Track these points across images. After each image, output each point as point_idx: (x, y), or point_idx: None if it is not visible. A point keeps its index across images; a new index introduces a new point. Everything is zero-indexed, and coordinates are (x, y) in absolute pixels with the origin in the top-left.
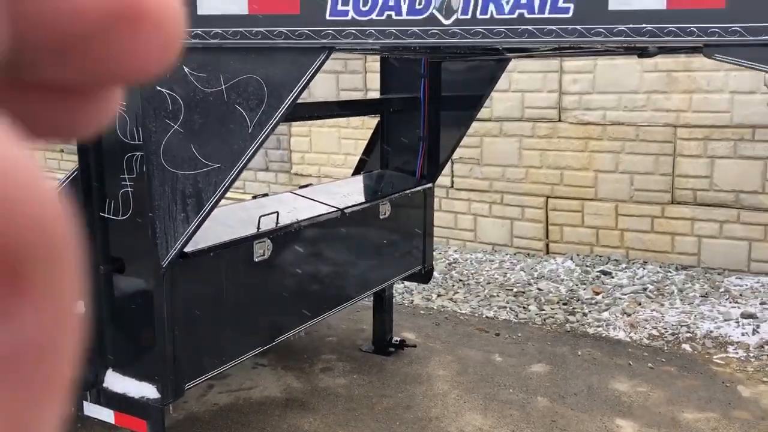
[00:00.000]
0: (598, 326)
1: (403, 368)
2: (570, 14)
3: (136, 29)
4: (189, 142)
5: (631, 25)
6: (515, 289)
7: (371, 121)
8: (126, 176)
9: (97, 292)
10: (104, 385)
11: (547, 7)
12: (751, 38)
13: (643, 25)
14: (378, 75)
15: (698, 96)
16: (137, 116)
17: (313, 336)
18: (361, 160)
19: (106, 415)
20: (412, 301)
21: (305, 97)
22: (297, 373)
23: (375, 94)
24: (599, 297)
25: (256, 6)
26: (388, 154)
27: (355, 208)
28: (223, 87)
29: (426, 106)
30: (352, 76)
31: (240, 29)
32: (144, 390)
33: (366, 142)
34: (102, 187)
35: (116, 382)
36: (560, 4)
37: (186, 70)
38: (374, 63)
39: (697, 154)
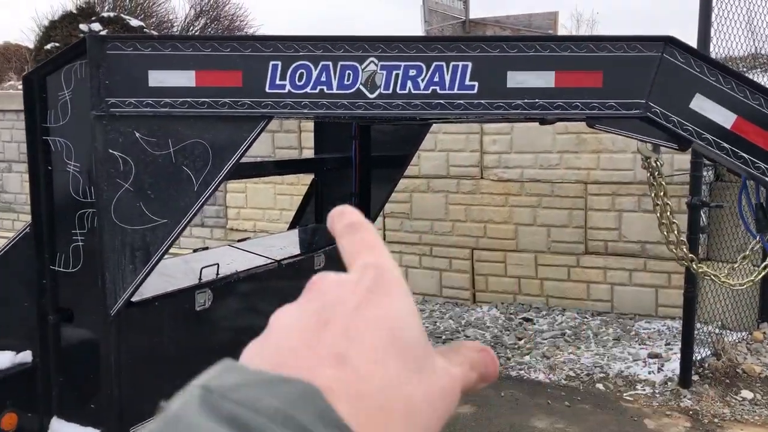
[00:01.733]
0: (521, 369)
1: None
2: (475, 91)
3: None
4: (138, 199)
5: (526, 100)
6: (444, 337)
7: (306, 178)
8: (77, 231)
9: (44, 342)
10: None
11: (456, 84)
12: (624, 111)
13: (536, 100)
14: (312, 134)
15: (605, 155)
16: (90, 176)
17: None
18: (296, 215)
19: None
20: None
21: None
22: None
23: (309, 152)
24: (521, 342)
25: (203, 80)
26: (322, 209)
27: (291, 260)
28: (172, 150)
29: (357, 165)
30: (287, 135)
31: (188, 99)
32: None
33: (301, 198)
34: (53, 241)
35: (62, 429)
36: (467, 82)
37: (137, 135)
38: (308, 123)
39: (606, 208)
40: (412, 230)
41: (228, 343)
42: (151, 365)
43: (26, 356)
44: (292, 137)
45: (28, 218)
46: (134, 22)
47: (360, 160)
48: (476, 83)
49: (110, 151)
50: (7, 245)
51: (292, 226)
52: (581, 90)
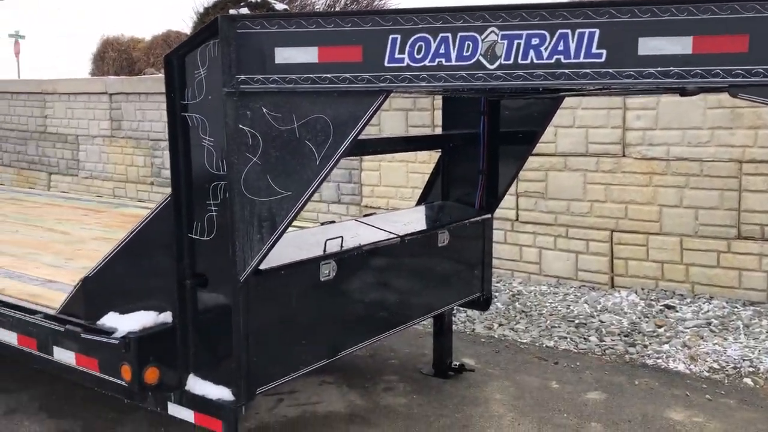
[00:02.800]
0: (658, 358)
1: (461, 391)
2: (602, 59)
3: None
4: (265, 173)
5: (659, 69)
6: (577, 321)
7: (438, 156)
8: (211, 202)
9: (182, 304)
10: (186, 387)
11: (582, 53)
12: None
13: (671, 69)
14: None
15: (764, 132)
16: (222, 150)
17: (376, 358)
18: (423, 192)
19: (187, 415)
20: (474, 329)
21: (375, 133)
22: (360, 391)
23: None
24: (661, 330)
25: (325, 56)
26: (448, 187)
27: (414, 236)
28: (296, 125)
29: (485, 141)
30: (421, 113)
31: (311, 75)
32: (221, 393)
33: None
34: (191, 211)
35: (197, 385)
36: (594, 50)
37: (264, 110)
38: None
39: (763, 189)
40: (547, 210)
41: (349, 315)
42: (277, 331)
43: (167, 317)
44: (425, 115)
45: (163, 192)
46: (279, 6)
47: (488, 137)
48: (604, 51)
49: (240, 126)
50: (151, 214)
51: (419, 203)
52: (723, 56)
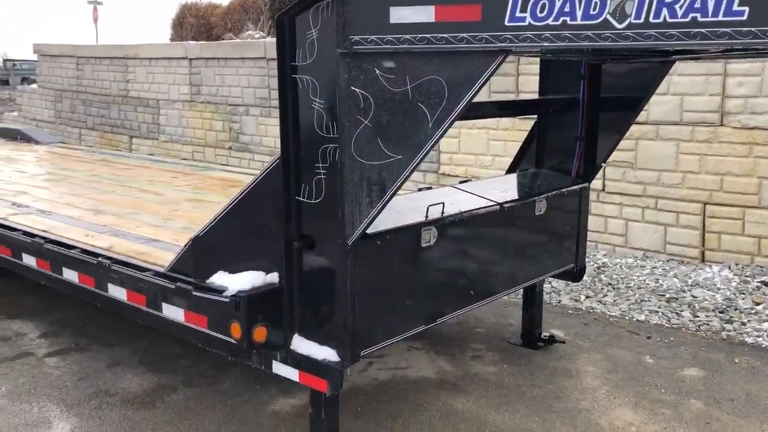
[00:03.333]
0: (758, 336)
1: (552, 362)
2: (745, 17)
3: None
4: (376, 136)
5: None
6: (668, 295)
7: (521, 123)
8: (320, 165)
9: (289, 265)
10: (291, 347)
11: (721, 10)
12: None
13: None
14: (530, 78)
15: None
16: (333, 112)
17: (462, 326)
18: (515, 159)
19: (292, 373)
20: (560, 301)
21: None
22: (448, 358)
23: (526, 97)
24: (760, 307)
25: (442, 15)
26: (543, 154)
27: (513, 204)
28: (409, 87)
29: (584, 107)
30: (504, 78)
31: (427, 35)
32: (326, 353)
33: (515, 144)
34: (299, 174)
35: (301, 345)
36: (735, 7)
37: (377, 72)
38: (527, 66)
39: None
40: (636, 181)
41: (446, 282)
42: (380, 296)
43: (274, 277)
44: (509, 81)
45: (263, 158)
46: None
47: (588, 102)
48: (746, 8)
49: (352, 88)
50: (260, 176)
51: (511, 170)
52: None
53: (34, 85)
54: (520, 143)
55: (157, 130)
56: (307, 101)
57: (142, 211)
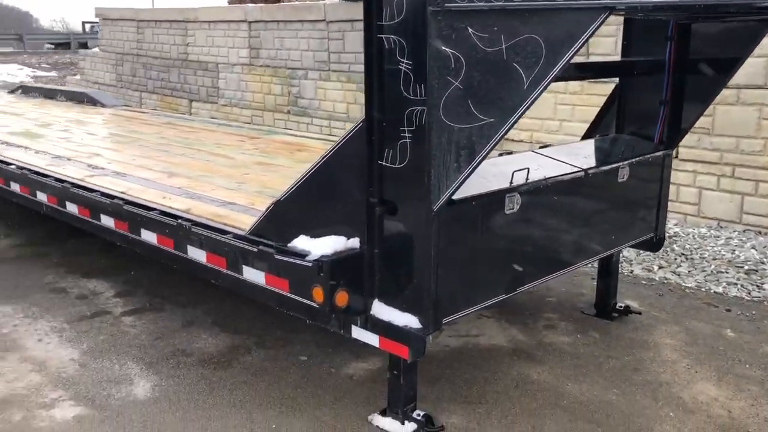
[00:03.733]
0: None
1: (628, 333)
2: None
3: None
4: (467, 97)
5: None
6: (746, 267)
7: (591, 87)
8: (405, 128)
9: (370, 230)
10: (371, 312)
11: None
12: None
13: None
14: (602, 39)
15: None
16: (421, 74)
17: (532, 295)
18: (593, 123)
19: (371, 339)
20: (632, 271)
21: None
22: (521, 326)
23: (596, 59)
24: None
25: None
26: (624, 119)
27: (597, 170)
28: (503, 46)
29: (671, 70)
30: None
31: None
32: (407, 320)
33: (584, 109)
34: (382, 137)
35: (382, 310)
36: None
37: (470, 30)
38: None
39: None
40: (712, 147)
41: (528, 250)
42: (463, 263)
43: (355, 242)
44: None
45: (321, 122)
46: None
47: (675, 65)
48: None
49: (442, 47)
50: (343, 139)
51: (588, 135)
52: None
53: (96, 49)
54: (590, 108)
55: (216, 93)
56: (393, 62)
57: (214, 174)
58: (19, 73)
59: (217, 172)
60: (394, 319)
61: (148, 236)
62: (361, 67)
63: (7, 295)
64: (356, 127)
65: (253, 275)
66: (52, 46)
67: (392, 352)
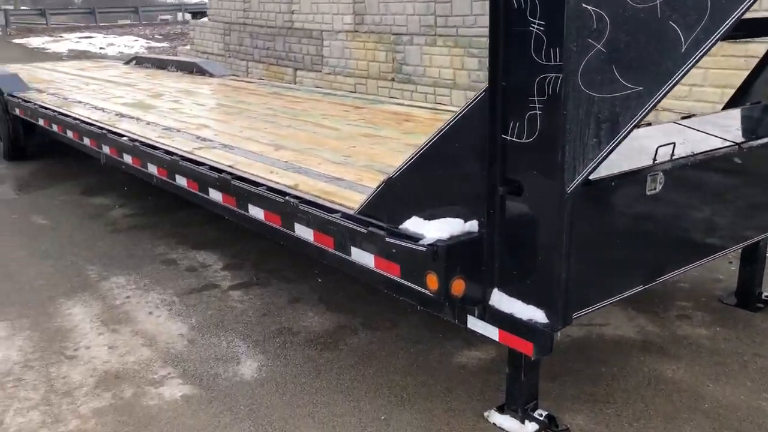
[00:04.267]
0: None
1: None
2: None
3: None
4: (610, 62)
5: None
6: None
7: (730, 48)
8: (535, 98)
9: (491, 213)
10: (490, 302)
11: None
12: None
13: None
14: None
15: None
16: (556, 36)
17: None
18: (739, 90)
19: (490, 331)
20: None
21: None
22: (650, 316)
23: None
24: None
25: None
26: None
27: (752, 144)
28: (657, 2)
29: None
30: None
31: None
32: (532, 313)
33: (718, 72)
34: (508, 109)
35: (502, 301)
36: None
37: None
38: None
39: None
40: None
41: (670, 235)
42: (598, 251)
43: (473, 225)
44: None
45: (426, 90)
46: None
47: None
48: None
49: (583, 5)
50: (462, 111)
51: (731, 104)
52: None
53: (205, 19)
54: (726, 71)
55: (320, 62)
56: (523, 23)
57: (321, 147)
58: (134, 44)
59: (324, 145)
60: (517, 311)
61: (256, 212)
62: (469, 31)
63: (121, 265)
64: (477, 97)
65: (362, 257)
66: (167, 18)
67: (514, 347)
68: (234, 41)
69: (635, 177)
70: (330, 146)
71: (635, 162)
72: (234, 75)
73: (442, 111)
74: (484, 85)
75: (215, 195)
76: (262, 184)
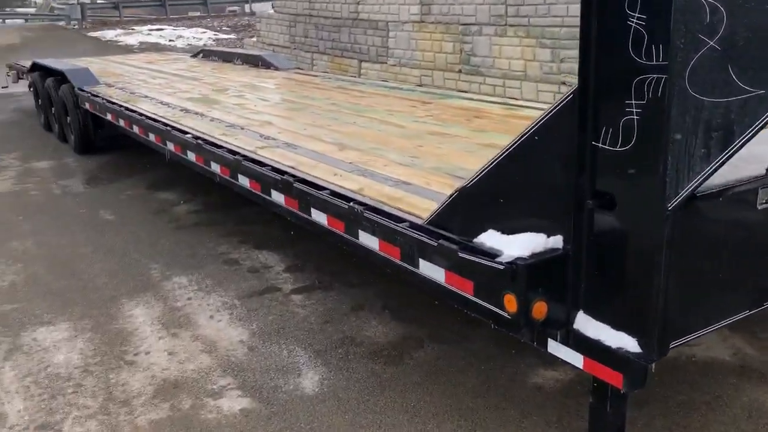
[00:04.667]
0: None
1: None
2: None
3: None
4: (725, 62)
5: None
6: None
7: None
8: (633, 102)
9: (578, 228)
10: (574, 326)
11: None
12: None
13: None
14: None
15: None
16: (662, 31)
17: None
18: None
19: (574, 358)
20: None
21: None
22: (747, 336)
23: None
24: None
25: None
26: None
27: None
28: None
29: None
30: None
31: None
32: (623, 341)
33: None
34: (600, 112)
35: (588, 325)
36: None
37: None
38: None
39: None
40: None
41: None
42: (701, 273)
43: (557, 242)
44: None
45: (495, 81)
46: None
47: None
48: None
49: None
50: (547, 114)
51: None
52: None
53: (271, 11)
54: None
55: (385, 53)
56: (620, 16)
57: (386, 146)
58: (202, 36)
59: (390, 144)
60: (605, 337)
61: (319, 216)
62: (542, 21)
63: (184, 264)
64: (565, 98)
65: (431, 271)
66: (235, 9)
67: (601, 377)
68: (299, 33)
69: (746, 189)
70: (396, 145)
71: (743, 171)
72: (299, 68)
73: (514, 106)
74: (558, 77)
75: (277, 197)
76: (326, 188)
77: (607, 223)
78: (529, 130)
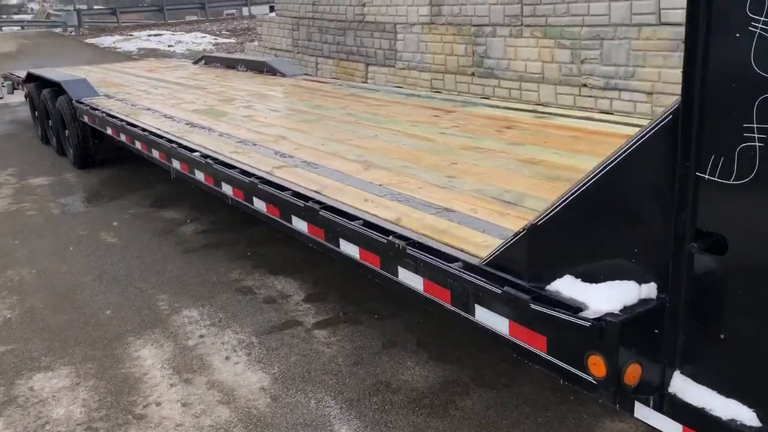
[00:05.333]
0: None
1: None
2: None
3: None
4: None
5: None
6: None
7: None
8: (754, 125)
9: (677, 275)
10: (670, 390)
11: None
12: None
13: None
14: None
15: None
16: None
17: None
18: None
19: (670, 427)
20: None
21: None
22: None
23: None
24: None
25: None
26: None
27: None
28: None
29: None
30: None
31: None
32: (734, 411)
33: None
34: (706, 137)
35: (687, 390)
36: None
37: None
38: None
39: None
40: None
41: None
42: None
43: (650, 290)
44: None
45: (510, 84)
46: None
47: None
48: None
49: None
50: (640, 136)
51: None
52: None
53: (273, 14)
54: None
55: (393, 56)
56: (739, 22)
57: (416, 164)
58: (202, 40)
59: (420, 161)
60: (710, 405)
61: (349, 249)
62: (561, 20)
63: (194, 294)
64: (660, 120)
65: (491, 320)
66: (233, 12)
67: None
68: (302, 36)
69: None
70: (427, 162)
71: None
72: (306, 74)
73: (545, 114)
74: (579, 79)
75: (299, 224)
76: (358, 217)
77: (713, 270)
78: (616, 157)
